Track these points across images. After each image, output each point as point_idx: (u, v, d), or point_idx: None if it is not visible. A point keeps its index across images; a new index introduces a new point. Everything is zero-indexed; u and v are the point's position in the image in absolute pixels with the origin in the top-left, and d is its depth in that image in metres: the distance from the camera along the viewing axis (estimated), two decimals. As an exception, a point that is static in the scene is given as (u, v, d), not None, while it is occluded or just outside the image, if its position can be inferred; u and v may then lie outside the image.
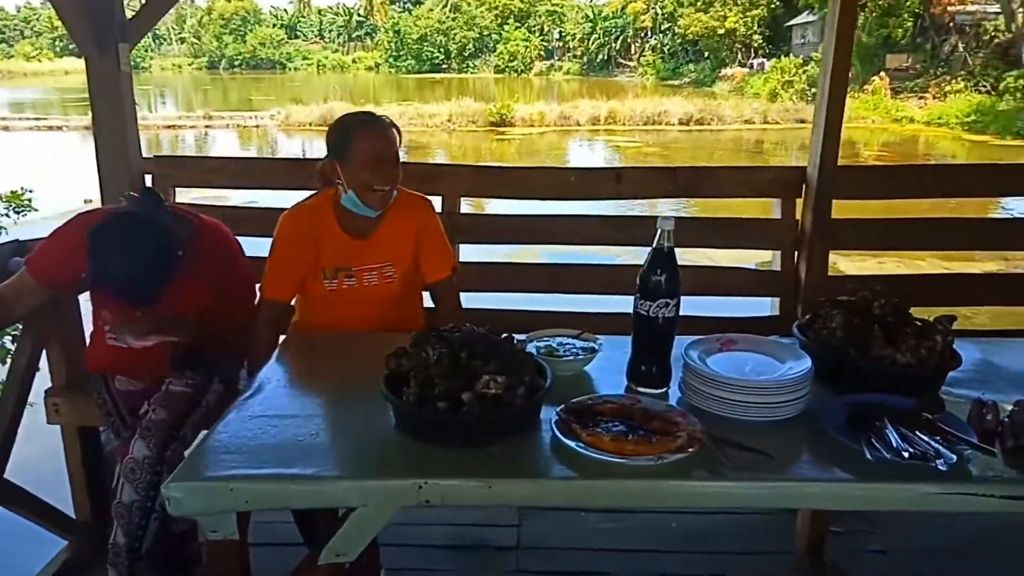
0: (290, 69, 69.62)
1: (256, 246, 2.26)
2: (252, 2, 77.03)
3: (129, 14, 2.46)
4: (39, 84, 51.77)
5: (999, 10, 28.02)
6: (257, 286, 2.07)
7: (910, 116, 25.07)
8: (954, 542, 2.30)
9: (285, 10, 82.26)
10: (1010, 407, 1.34)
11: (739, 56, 43.67)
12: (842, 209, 2.53)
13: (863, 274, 5.22)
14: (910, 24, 29.36)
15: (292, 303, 2.07)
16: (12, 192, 3.99)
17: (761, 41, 43.05)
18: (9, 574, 2.21)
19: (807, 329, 1.60)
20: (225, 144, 22.12)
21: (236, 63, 71.18)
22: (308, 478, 1.20)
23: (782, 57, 34.14)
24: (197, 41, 74.78)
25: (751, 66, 39.75)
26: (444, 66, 65.51)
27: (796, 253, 2.52)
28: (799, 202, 2.52)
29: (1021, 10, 27.42)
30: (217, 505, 1.20)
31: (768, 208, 2.62)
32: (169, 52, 76.63)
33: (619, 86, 41.76)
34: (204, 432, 1.87)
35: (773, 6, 42.31)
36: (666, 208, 7.73)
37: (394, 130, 1.91)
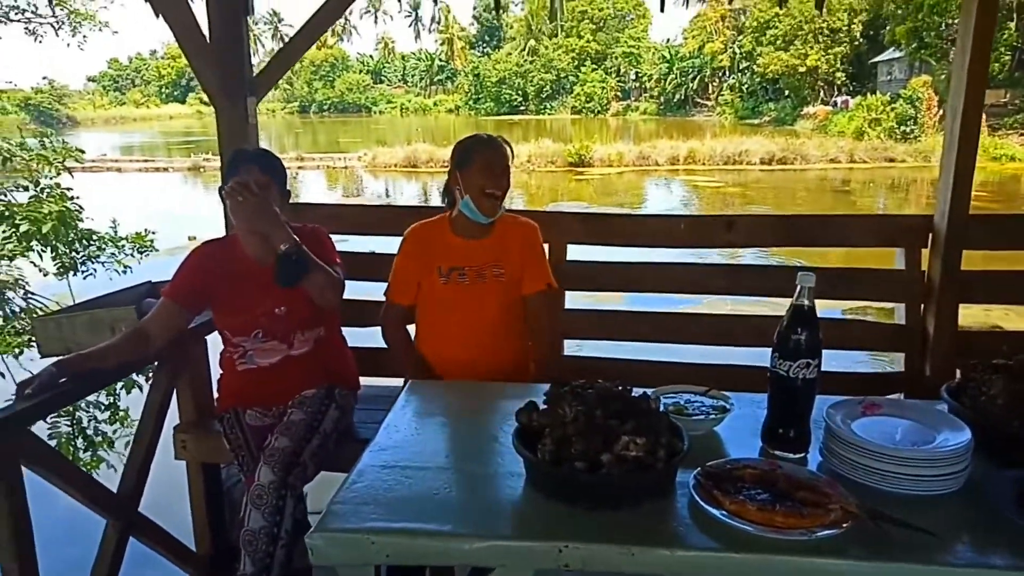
0: (375, 112, 72.28)
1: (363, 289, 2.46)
2: (341, 50, 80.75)
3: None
4: (147, 128, 55.60)
5: (1108, 42, 26.57)
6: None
7: (1011, 154, 23.83)
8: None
9: (371, 56, 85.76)
10: None
11: (821, 94, 42.71)
12: (969, 260, 2.39)
13: (991, 329, 4.90)
14: (1008, 58, 28.15)
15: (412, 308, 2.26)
16: (137, 234, 4.27)
17: (844, 78, 42.03)
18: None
19: (958, 394, 1.50)
20: (314, 183, 23.06)
21: (325, 107, 74.47)
22: (446, 535, 1.19)
23: (867, 95, 33.15)
24: (290, 87, 78.67)
25: (835, 104, 38.75)
26: (522, 108, 66.65)
27: (923, 306, 2.39)
28: (924, 252, 2.40)
29: None
30: (358, 557, 1.20)
31: (860, 258, 2.51)
32: (265, 98, 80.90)
33: (696, 126, 41.46)
34: (328, 473, 1.94)
35: (857, 43, 41.34)
36: (752, 256, 7.53)
37: (507, 147, 2.19)
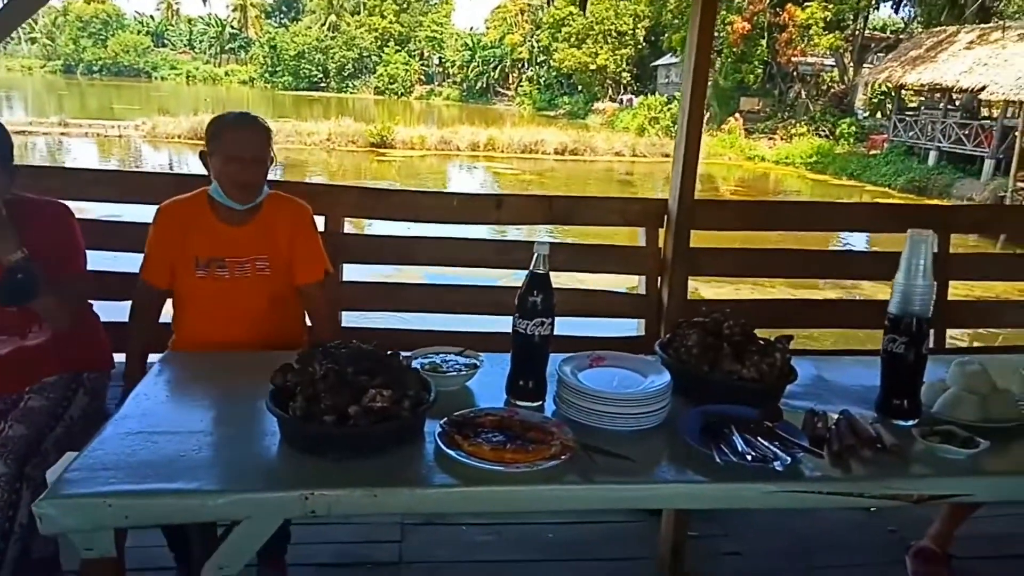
0: (156, 78, 65.89)
1: (124, 261, 2.27)
2: (114, 5, 72.39)
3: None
4: None
5: (834, 63, 31.22)
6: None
7: (761, 155, 27.30)
8: (799, 541, 2.56)
9: (151, 17, 77.89)
10: (837, 416, 1.56)
11: (610, 91, 45.85)
12: (707, 239, 2.78)
13: (720, 299, 5.66)
14: (760, 71, 31.98)
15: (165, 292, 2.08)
16: None
17: (630, 79, 45.44)
18: None
19: (667, 347, 1.76)
20: (83, 153, 20.60)
21: (95, 68, 66.52)
22: (191, 492, 1.21)
23: (649, 95, 36.25)
24: (51, 43, 69.31)
25: (621, 102, 41.80)
26: (323, 85, 64.29)
27: (659, 278, 2.74)
28: (662, 231, 2.74)
29: (852, 64, 30.70)
30: (94, 522, 1.18)
31: (635, 236, 2.83)
32: (17, 52, 70.46)
33: (497, 114, 42.68)
34: (71, 453, 1.82)
35: (640, 47, 44.83)
36: (543, 234, 8.01)
37: (262, 128, 2.00)
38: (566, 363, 1.62)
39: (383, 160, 22.44)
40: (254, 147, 1.97)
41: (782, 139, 28.27)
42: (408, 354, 1.68)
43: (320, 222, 2.43)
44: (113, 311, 2.25)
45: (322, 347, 1.43)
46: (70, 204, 2.01)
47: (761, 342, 1.73)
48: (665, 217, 2.70)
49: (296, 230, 2.08)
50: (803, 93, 31.11)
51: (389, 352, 1.48)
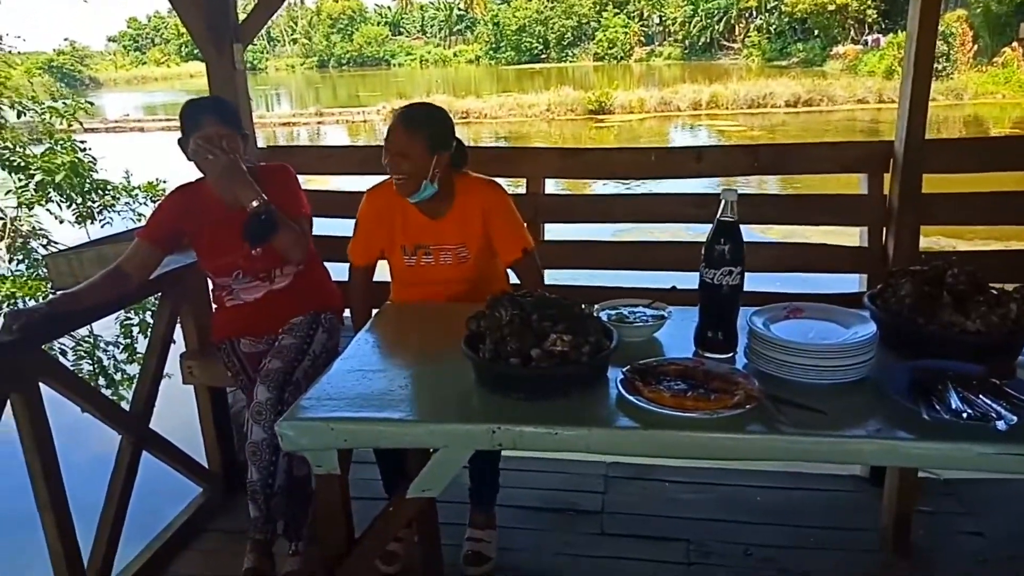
0: (394, 65, 71.67)
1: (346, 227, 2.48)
2: (358, 1, 79.85)
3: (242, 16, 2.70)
4: (168, 87, 55.77)
5: None
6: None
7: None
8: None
9: (389, 7, 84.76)
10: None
11: (852, 32, 41.30)
12: (947, 184, 2.46)
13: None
14: (1049, -11, 26.86)
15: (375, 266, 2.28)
16: (148, 183, 4.49)
17: (876, 16, 40.50)
18: (152, 518, 2.52)
19: (877, 298, 1.62)
20: (335, 138, 23.26)
21: (344, 61, 74.02)
22: (397, 421, 1.37)
23: (899, 32, 32.02)
24: (308, 41, 78.29)
25: (865, 43, 37.51)
26: (543, 56, 65.52)
27: (884, 229, 2.48)
28: (887, 177, 2.47)
29: None
30: (321, 442, 1.38)
31: (855, 184, 2.58)
32: (283, 53, 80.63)
33: (722, 69, 40.48)
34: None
35: (889, -23, 39.79)
36: (753, 186, 7.53)
37: (410, 124, 2.01)
38: (758, 314, 1.56)
39: (601, 126, 22.42)
40: (398, 140, 2.00)
41: (1078, 67, 23.59)
42: (597, 305, 1.72)
43: (520, 184, 2.54)
44: (337, 271, 2.53)
45: (509, 295, 1.52)
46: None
47: (993, 292, 1.52)
48: (891, 161, 2.43)
49: (489, 215, 2.12)
50: (1108, 8, 25.58)
51: (572, 302, 1.54)
